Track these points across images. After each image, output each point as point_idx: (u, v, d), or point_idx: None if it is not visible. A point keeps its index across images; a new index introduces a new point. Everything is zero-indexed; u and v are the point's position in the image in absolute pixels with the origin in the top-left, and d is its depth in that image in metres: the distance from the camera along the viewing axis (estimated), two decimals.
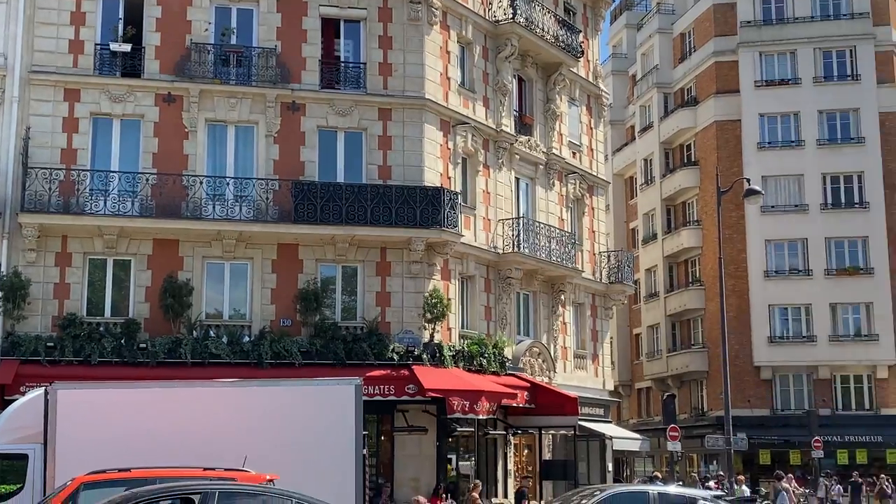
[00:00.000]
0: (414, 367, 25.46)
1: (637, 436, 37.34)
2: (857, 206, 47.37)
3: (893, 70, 49.00)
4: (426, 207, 26.39)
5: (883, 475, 40.28)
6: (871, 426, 44.91)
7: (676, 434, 31.57)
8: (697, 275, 50.92)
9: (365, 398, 21.57)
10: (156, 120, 26.52)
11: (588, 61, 36.49)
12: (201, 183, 25.83)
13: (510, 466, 29.67)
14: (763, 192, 31.63)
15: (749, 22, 49.69)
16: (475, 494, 23.46)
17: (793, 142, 48.36)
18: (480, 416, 25.44)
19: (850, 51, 48.82)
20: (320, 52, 27.77)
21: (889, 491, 37.58)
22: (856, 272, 46.76)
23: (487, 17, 30.84)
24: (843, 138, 48.22)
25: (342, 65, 28.26)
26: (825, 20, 49.19)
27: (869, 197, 47.25)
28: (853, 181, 47.84)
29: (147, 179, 25.60)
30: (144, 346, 24.73)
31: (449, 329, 27.71)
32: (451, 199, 26.93)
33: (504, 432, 29.18)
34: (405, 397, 25.12)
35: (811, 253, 47.15)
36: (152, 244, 25.91)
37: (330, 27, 28.18)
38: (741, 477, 31.96)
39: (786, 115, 48.68)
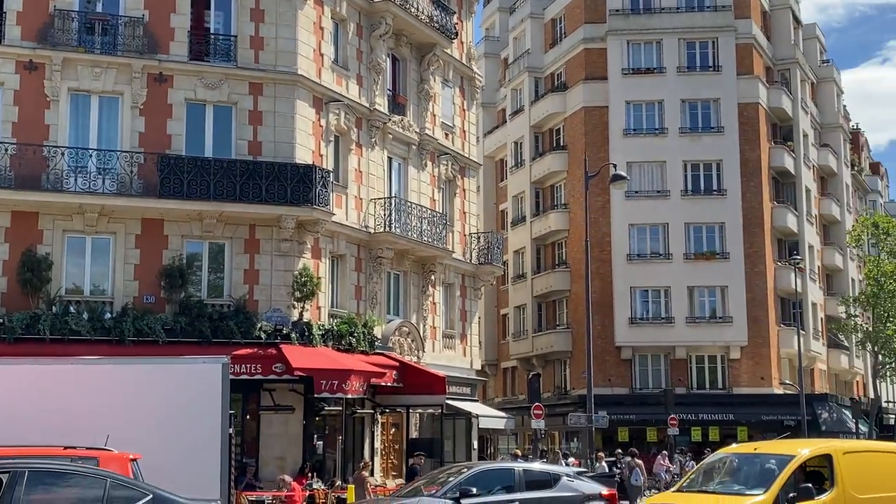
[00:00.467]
0: (282, 345, 25.28)
1: (502, 414, 37.96)
2: (715, 192, 49.15)
3: (752, 62, 50.90)
4: (297, 185, 26.14)
5: None
6: (724, 405, 46.82)
7: (540, 412, 32.22)
8: (564, 257, 51.99)
9: (231, 377, 21.31)
10: (16, 88, 25.56)
11: (462, 43, 36.69)
12: (63, 154, 24.98)
13: (377, 445, 29.79)
14: (628, 178, 32.53)
15: (618, 10, 50.83)
16: (365, 473, 23.55)
17: (657, 129, 49.79)
18: (349, 396, 25.44)
19: (713, 42, 50.51)
20: (189, 23, 27.16)
21: None
22: (712, 257, 48.57)
23: None
24: (703, 127, 49.90)
25: (212, 37, 27.65)
26: (690, 11, 50.76)
27: (727, 184, 49.08)
28: (712, 169, 49.60)
29: (6, 150, 24.63)
30: (1, 321, 23.82)
31: (318, 308, 27.58)
32: (322, 177, 26.75)
33: (372, 411, 29.27)
34: (272, 376, 24.93)
35: (672, 237, 48.73)
36: (10, 216, 25.00)
37: None
38: (601, 454, 32.85)
39: (651, 104, 50.08)
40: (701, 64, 50.58)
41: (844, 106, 68.91)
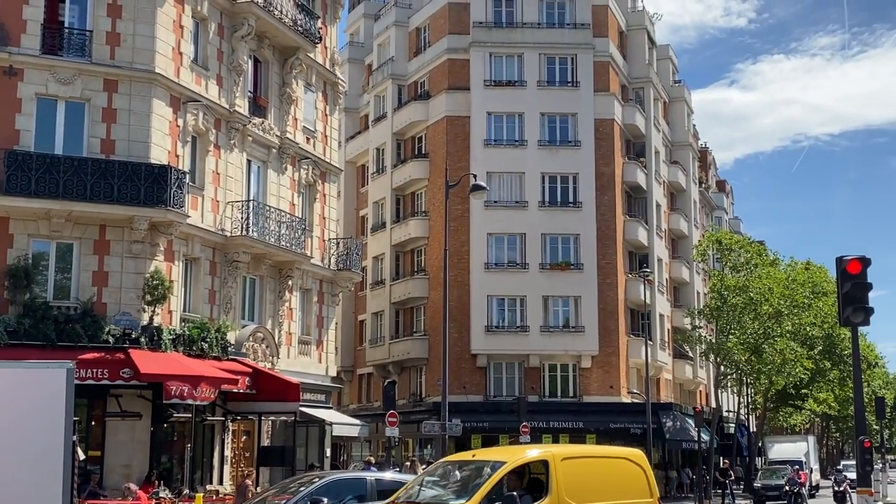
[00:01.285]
0: (130, 350, 24.62)
1: (356, 421, 37.85)
2: (571, 205, 50.27)
3: (609, 79, 52.35)
4: (151, 185, 25.54)
5: None
6: (575, 412, 47.88)
7: (395, 420, 32.29)
8: (423, 264, 52.27)
9: (77, 382, 20.67)
10: None
11: (326, 48, 36.53)
12: None
13: (227, 452, 29.30)
14: (487, 188, 32.98)
15: (481, 23, 51.48)
16: (248, 481, 23.09)
17: (516, 141, 50.62)
18: (200, 402, 24.97)
19: (572, 58, 51.69)
20: (43, 16, 26.19)
21: None
22: (567, 267, 49.66)
23: None
24: (561, 140, 50.99)
25: (66, 31, 26.74)
26: (551, 27, 51.80)
27: (582, 197, 50.27)
28: (569, 181, 50.70)
29: None
30: None
31: (170, 312, 26.97)
32: (178, 178, 26.20)
33: (223, 418, 28.77)
34: (120, 382, 24.27)
35: (528, 247, 49.60)
36: None
37: None
38: (414, 460, 33.08)
39: (511, 115, 50.88)
40: (560, 79, 51.68)
41: (694, 125, 71.65)
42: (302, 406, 29.56)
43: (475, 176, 33.48)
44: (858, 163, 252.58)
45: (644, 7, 60.12)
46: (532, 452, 13.87)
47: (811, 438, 61.77)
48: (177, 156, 27.57)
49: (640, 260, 54.07)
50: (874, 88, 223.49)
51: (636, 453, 14.33)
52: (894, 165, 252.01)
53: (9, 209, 24.80)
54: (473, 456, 14.46)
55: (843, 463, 66.46)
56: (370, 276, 55.02)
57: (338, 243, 36.72)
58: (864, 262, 17.72)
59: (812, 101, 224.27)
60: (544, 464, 13.18)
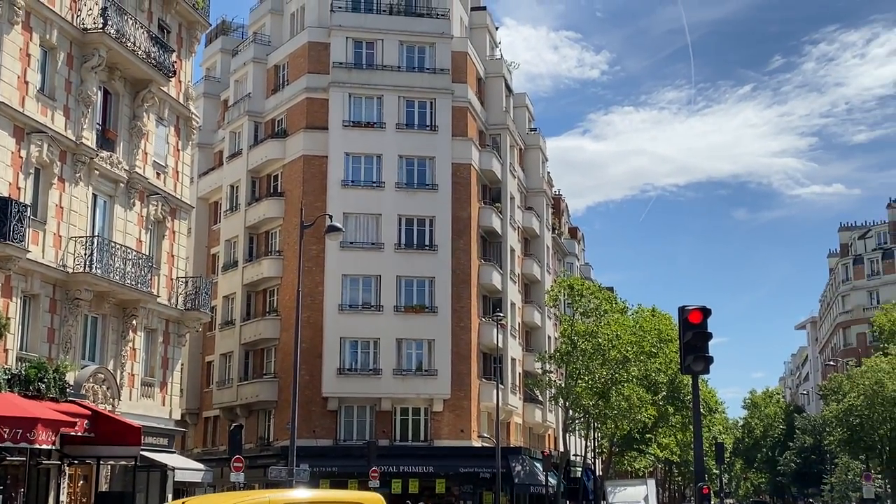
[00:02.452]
0: None
1: (200, 466, 36.66)
2: (426, 248, 50.47)
3: (466, 125, 53.04)
4: None
5: (430, 503, 43.06)
6: (425, 457, 47.72)
7: (241, 465, 31.50)
8: (275, 305, 51.45)
9: None
10: None
11: (180, 82, 35.76)
12: None
13: (63, 498, 27.91)
14: (343, 229, 32.72)
15: (341, 63, 51.45)
16: None
17: (374, 182, 50.60)
18: (34, 446, 23.69)
19: (431, 102, 52.17)
20: None
21: None
22: (422, 310, 49.72)
23: (76, 24, 29.19)
24: (419, 184, 51.24)
25: None
26: (411, 71, 52.19)
27: (438, 240, 50.56)
28: (425, 224, 50.93)
29: None
30: None
31: (6, 350, 25.63)
32: (18, 211, 25.04)
33: (59, 462, 27.41)
34: None
35: (384, 290, 49.45)
36: None
37: None
38: None
39: (369, 157, 50.89)
40: (419, 122, 52.05)
41: (549, 172, 73.19)
42: (143, 450, 28.45)
43: (331, 216, 33.32)
44: (702, 213, 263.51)
45: (502, 55, 61.37)
46: (249, 499, 12.95)
47: (651, 482, 63.31)
48: (18, 188, 26.37)
49: (493, 304, 54.62)
50: (717, 142, 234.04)
51: (373, 497, 13.80)
52: (735, 217, 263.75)
53: None
54: (184, 503, 14.04)
55: None
56: (220, 317, 53.77)
57: (186, 282, 35.74)
58: (705, 312, 18.28)
59: (660, 153, 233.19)
60: None
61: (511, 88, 62.33)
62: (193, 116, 36.77)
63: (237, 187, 54.77)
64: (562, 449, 58.43)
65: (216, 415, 53.75)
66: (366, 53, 52.14)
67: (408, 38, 52.45)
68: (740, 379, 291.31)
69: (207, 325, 49.43)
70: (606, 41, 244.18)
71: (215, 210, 57.71)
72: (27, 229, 25.65)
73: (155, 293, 32.47)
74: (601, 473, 64.42)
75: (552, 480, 52.36)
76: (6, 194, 25.41)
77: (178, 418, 36.62)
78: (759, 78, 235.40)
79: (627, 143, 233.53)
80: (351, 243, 49.10)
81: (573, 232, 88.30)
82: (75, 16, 29.28)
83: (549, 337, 65.55)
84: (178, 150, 35.71)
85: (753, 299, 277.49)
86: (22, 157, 26.65)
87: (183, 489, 35.74)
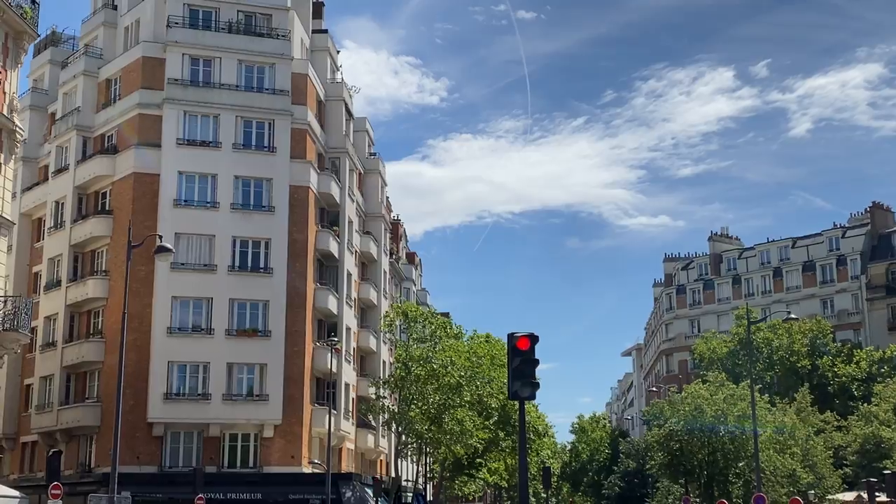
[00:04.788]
0: None
1: (15, 493, 34.76)
2: (262, 270, 49.77)
3: (305, 147, 52.72)
4: None
5: None
6: (255, 483, 46.87)
7: (59, 492, 30.19)
8: (100, 327, 49.68)
9: None
10: None
11: (4, 93, 34.20)
12: None
13: None
14: (174, 251, 31.91)
15: (176, 80, 50.33)
16: None
17: (209, 203, 49.62)
18: None
19: (270, 123, 51.61)
20: None
21: None
22: (254, 334, 48.94)
23: None
24: (255, 205, 50.52)
25: None
26: (249, 91, 51.54)
27: (273, 263, 49.94)
28: (261, 247, 50.23)
29: None
30: None
31: None
32: None
33: None
34: None
35: (215, 312, 48.45)
36: None
37: None
38: None
39: (204, 176, 49.89)
40: (257, 143, 51.38)
41: (388, 197, 73.55)
42: None
43: (161, 237, 32.45)
44: (536, 241, 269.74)
45: (343, 79, 61.39)
46: None
47: None
48: None
49: (329, 328, 54.26)
50: (552, 172, 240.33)
51: None
52: (568, 245, 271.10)
53: None
54: None
55: None
56: (41, 338, 51.47)
57: (5, 301, 34.07)
58: (533, 338, 18.68)
59: (496, 180, 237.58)
60: None
61: (351, 112, 62.40)
62: (17, 129, 35.17)
63: (63, 204, 52.67)
64: (393, 474, 58.47)
65: (35, 440, 51.31)
66: (203, 71, 51.14)
67: (247, 58, 51.79)
68: (569, 404, 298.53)
69: (27, 347, 47.41)
70: (446, 68, 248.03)
71: (39, 227, 55.32)
72: None
73: None
74: (432, 499, 64.67)
75: None
76: None
77: None
78: (592, 111, 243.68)
79: (465, 169, 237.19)
80: (182, 264, 47.93)
81: (411, 257, 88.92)
82: None
83: (385, 362, 65.60)
84: (1, 164, 34.09)
85: (583, 326, 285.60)
86: None
87: None
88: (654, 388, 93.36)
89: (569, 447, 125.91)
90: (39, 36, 39.66)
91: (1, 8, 33.22)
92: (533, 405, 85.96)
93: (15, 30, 34.78)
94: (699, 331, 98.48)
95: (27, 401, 52.62)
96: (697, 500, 64.06)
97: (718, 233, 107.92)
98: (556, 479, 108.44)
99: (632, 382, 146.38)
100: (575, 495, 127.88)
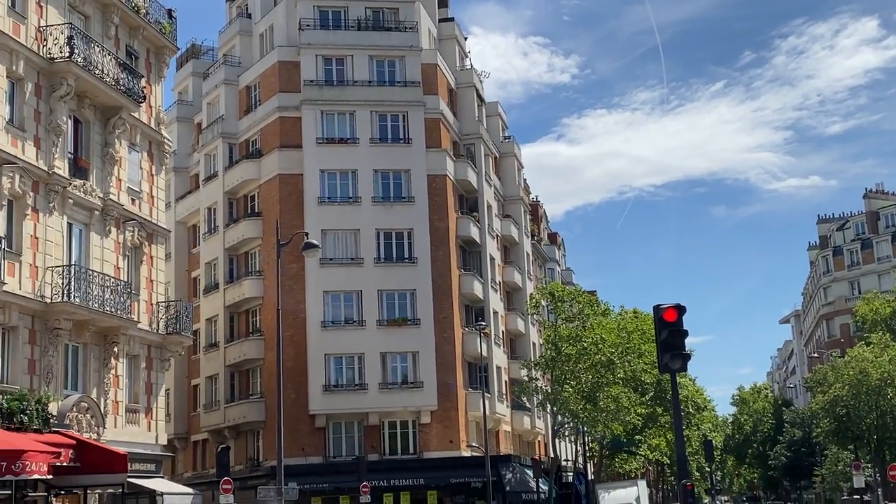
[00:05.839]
0: None
1: (189, 490, 36.55)
2: (406, 260, 50.55)
3: (440, 136, 53.20)
4: None
5: None
6: (415, 469, 47.71)
7: (229, 487, 31.47)
8: (258, 325, 51.39)
9: None
10: None
11: (151, 107, 35.77)
12: None
13: None
14: (320, 246, 32.76)
15: (312, 81, 51.57)
16: None
17: (350, 198, 50.69)
18: (20, 478, 23.62)
19: (403, 115, 52.35)
20: None
21: None
22: (404, 323, 49.77)
23: (42, 54, 29.20)
24: (395, 197, 51.37)
25: None
26: (381, 85, 52.37)
27: (417, 252, 50.66)
28: (404, 237, 51.06)
29: None
30: None
31: None
32: None
33: (45, 493, 27.31)
34: None
35: (365, 304, 49.50)
36: None
37: None
38: None
39: (344, 173, 51.00)
40: (392, 136, 52.20)
41: (525, 179, 73.42)
42: (130, 477, 28.39)
43: (307, 234, 33.30)
44: (681, 213, 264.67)
45: (472, 65, 61.60)
46: None
47: (642, 483, 63.39)
48: None
49: (476, 313, 54.72)
50: (693, 140, 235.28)
51: None
52: (714, 214, 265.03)
53: None
54: None
55: None
56: (203, 339, 53.68)
57: (167, 306, 35.69)
58: (680, 309, 18.40)
59: (635, 154, 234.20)
60: None
61: (483, 97, 62.58)
62: (166, 141, 36.78)
63: (214, 209, 54.74)
64: (552, 455, 58.52)
65: (205, 438, 53.57)
66: (336, 70, 52.30)
67: (377, 53, 52.65)
68: (728, 376, 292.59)
69: (192, 349, 49.41)
70: (576, 45, 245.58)
71: (194, 233, 57.65)
72: (2, 261, 25.62)
73: (135, 319, 32.43)
74: (593, 477, 64.47)
75: (543, 486, 52.41)
76: None
77: (165, 443, 36.52)
78: (731, 74, 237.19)
79: (602, 145, 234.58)
80: (330, 260, 49.16)
81: (553, 237, 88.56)
82: (41, 46, 29.29)
83: (534, 343, 65.68)
84: (152, 175, 35.70)
85: (736, 296, 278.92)
86: None
87: None
88: (816, 354, 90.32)
89: (730, 419, 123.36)
90: (179, 49, 41.31)
91: (141, 25, 34.72)
92: (690, 378, 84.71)
93: (155, 45, 36.32)
94: (859, 292, 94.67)
95: (195, 400, 54.94)
96: (868, 465, 61.87)
97: (874, 189, 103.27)
98: (719, 452, 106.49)
99: (792, 350, 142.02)
100: (741, 468, 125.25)
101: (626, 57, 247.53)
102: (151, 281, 34.86)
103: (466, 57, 62.16)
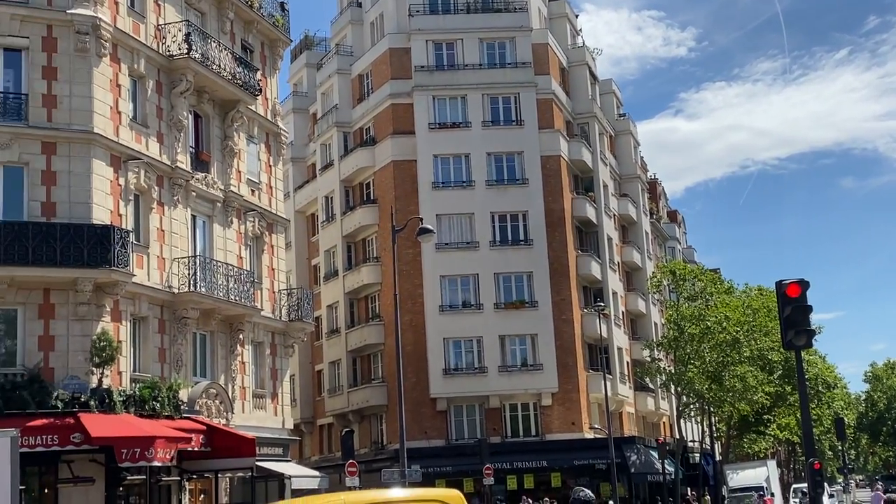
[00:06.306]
0: (80, 414, 24.12)
1: (316, 473, 37.34)
2: (522, 243, 50.42)
3: (553, 116, 52.82)
4: (94, 246, 25.19)
5: (547, 498, 42.99)
6: (538, 451, 47.68)
7: (355, 469, 31.99)
8: (377, 310, 52.04)
9: (25, 450, 20.30)
10: None
11: (267, 99, 36.49)
12: None
13: None
14: (434, 231, 32.87)
15: (423, 67, 51.80)
16: None
17: (464, 182, 50.79)
18: (153, 464, 24.53)
19: (515, 97, 52.14)
20: None
21: None
22: (522, 305, 49.69)
23: (161, 52, 30.07)
24: (509, 179, 51.26)
25: (1, 95, 26.44)
26: (492, 68, 52.27)
27: (532, 234, 50.47)
28: (518, 220, 50.93)
29: None
30: None
31: (120, 373, 26.54)
32: (121, 237, 25.89)
33: (178, 478, 28.27)
34: (70, 447, 23.74)
35: (482, 288, 49.61)
36: None
37: None
38: None
39: (457, 157, 51.13)
40: (504, 118, 52.07)
41: (642, 157, 72.37)
42: (259, 461, 29.14)
43: (422, 219, 33.52)
44: (807, 185, 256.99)
45: (584, 43, 60.95)
46: (321, 502, 13.08)
47: (771, 463, 61.95)
48: (120, 215, 27.27)
49: (594, 294, 54.27)
50: (817, 110, 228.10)
51: (451, 494, 13.52)
52: (843, 186, 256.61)
53: None
54: None
55: (793, 486, 66.77)
56: (325, 325, 54.67)
57: (289, 294, 36.45)
58: (803, 284, 17.83)
59: (757, 126, 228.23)
60: None
61: (596, 75, 61.85)
62: (282, 132, 37.50)
63: (331, 198, 55.63)
64: (677, 436, 57.73)
65: (330, 422, 54.63)
66: (446, 54, 52.44)
67: (487, 35, 52.57)
68: (860, 352, 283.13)
69: (314, 335, 50.33)
70: (692, 17, 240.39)
71: (313, 222, 58.71)
72: (131, 254, 26.49)
73: (259, 307, 33.20)
74: (720, 458, 63.34)
75: (669, 468, 51.74)
76: (108, 222, 26.28)
77: (292, 427, 37.37)
78: (855, 40, 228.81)
79: (723, 119, 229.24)
80: (446, 244, 49.42)
81: (672, 215, 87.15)
82: (160, 44, 30.15)
83: (656, 323, 64.83)
84: (270, 166, 36.46)
85: (868, 270, 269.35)
86: (121, 185, 27.55)
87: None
88: None
89: (863, 397, 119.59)
90: (293, 42, 42.02)
91: (255, 19, 35.43)
92: (820, 356, 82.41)
93: (269, 38, 37.02)
94: None
95: (319, 386, 56.02)
96: None
97: None
98: (852, 430, 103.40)
99: None
100: (875, 446, 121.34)
101: (744, 27, 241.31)
102: (273, 269, 35.65)
103: (578, 35, 61.52)
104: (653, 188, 76.78)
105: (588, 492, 12.26)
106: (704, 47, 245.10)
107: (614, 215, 60.52)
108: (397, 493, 15.37)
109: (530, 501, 42.15)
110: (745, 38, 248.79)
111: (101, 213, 26.37)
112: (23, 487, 19.64)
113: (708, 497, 57.51)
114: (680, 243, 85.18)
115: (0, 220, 25.15)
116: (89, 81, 26.83)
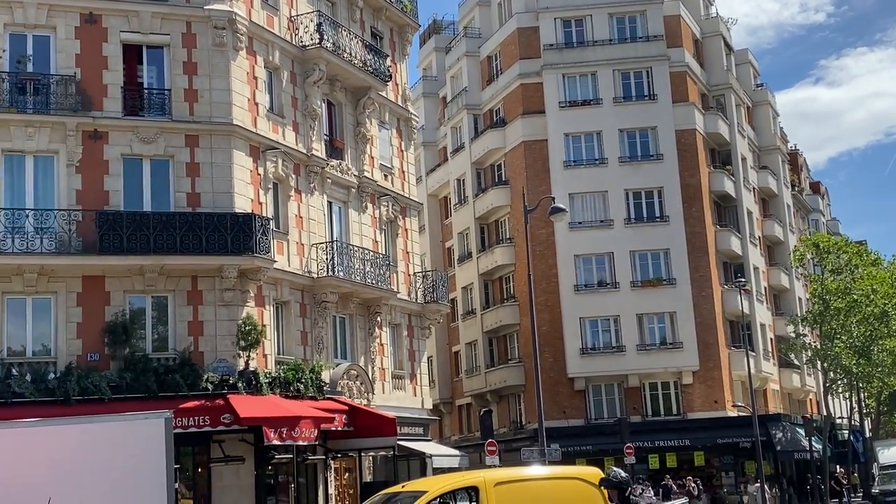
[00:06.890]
0: (229, 396, 25.13)
1: (457, 452, 37.82)
2: (657, 219, 49.69)
3: (687, 89, 51.76)
4: (237, 234, 26.13)
5: (690, 477, 42.45)
6: (679, 430, 47.01)
7: (494, 448, 32.24)
8: (512, 291, 52.16)
9: (179, 430, 21.26)
10: None
11: (397, 85, 37.00)
12: None
13: (331, 490, 29.61)
14: (567, 210, 32.73)
15: (552, 45, 51.48)
16: None
17: (596, 160, 50.31)
18: (299, 443, 25.34)
19: (647, 71, 51.30)
20: (122, 79, 27.16)
21: (695, 492, 39.58)
22: (659, 283, 49.01)
23: (294, 43, 30.86)
24: (643, 155, 50.52)
25: (146, 91, 27.66)
26: (623, 43, 51.53)
27: (669, 211, 49.65)
28: (654, 196, 50.18)
29: None
30: None
31: (265, 356, 27.49)
32: (262, 224, 26.76)
33: (324, 457, 29.11)
34: (221, 427, 24.77)
35: (618, 266, 49.13)
36: None
37: (132, 53, 27.60)
38: None
39: (589, 135, 50.65)
40: (636, 93, 51.31)
41: (781, 127, 70.25)
42: (400, 440, 29.72)
43: (554, 199, 33.43)
44: None
45: (717, 13, 59.46)
46: (462, 479, 13.58)
47: None
48: (260, 203, 28.19)
49: (734, 270, 53.09)
50: None
51: (590, 472, 13.48)
52: None
53: (104, 268, 25.66)
54: (403, 488, 14.42)
55: None
56: (461, 307, 55.13)
57: (424, 276, 36.95)
58: None
59: None
60: (474, 490, 12.99)
61: (731, 46, 60.31)
62: (412, 117, 37.98)
63: (463, 180, 55.96)
64: (824, 412, 56.10)
65: (468, 402, 55.11)
66: (575, 31, 51.94)
67: (616, 10, 51.86)
68: None
69: (450, 317, 50.80)
70: None
71: (445, 205, 59.16)
72: (272, 241, 27.37)
73: (395, 290, 33.80)
74: (870, 434, 61.22)
75: (817, 445, 50.33)
76: (249, 210, 27.22)
77: (430, 407, 37.93)
78: None
79: (866, 86, 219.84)
80: (579, 223, 49.12)
81: (815, 187, 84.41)
82: (293, 35, 30.94)
83: (800, 298, 63.03)
84: (402, 151, 36.98)
85: None
86: (260, 174, 28.45)
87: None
88: None
89: None
90: (421, 27, 42.41)
91: (383, 6, 35.95)
92: None
93: (398, 24, 37.51)
94: None
95: (457, 366, 56.57)
96: None
97: None
98: None
99: None
100: None
101: None
102: (407, 253, 36.21)
103: (711, 5, 60.04)
104: (794, 160, 74.50)
105: (621, 471, 12.17)
106: (844, 12, 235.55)
107: (754, 188, 58.98)
108: (539, 470, 15.67)
109: (672, 481, 41.67)
110: (887, 1, 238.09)
111: (242, 202, 27.31)
112: (177, 466, 20.60)
113: (857, 475, 55.74)
114: (824, 215, 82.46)
115: (149, 211, 26.34)
116: (227, 75, 27.78)
